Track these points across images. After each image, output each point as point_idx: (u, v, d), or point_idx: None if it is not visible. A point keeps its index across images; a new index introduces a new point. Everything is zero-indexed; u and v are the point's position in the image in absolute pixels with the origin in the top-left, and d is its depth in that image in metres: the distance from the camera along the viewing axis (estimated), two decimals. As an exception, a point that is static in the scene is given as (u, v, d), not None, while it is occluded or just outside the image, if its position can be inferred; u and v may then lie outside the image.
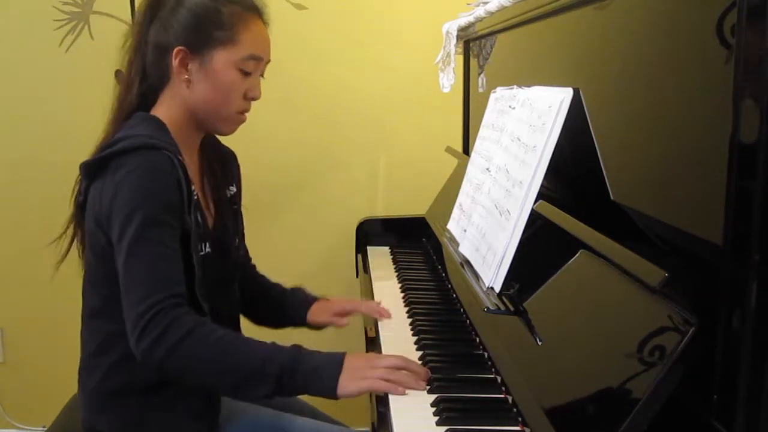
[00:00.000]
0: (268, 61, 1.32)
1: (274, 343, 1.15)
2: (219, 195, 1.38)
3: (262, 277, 1.56)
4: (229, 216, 1.38)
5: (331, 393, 1.10)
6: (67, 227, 1.30)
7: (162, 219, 1.13)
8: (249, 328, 1.43)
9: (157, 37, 1.26)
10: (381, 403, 1.10)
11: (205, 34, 1.24)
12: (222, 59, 1.24)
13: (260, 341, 1.15)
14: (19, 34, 2.30)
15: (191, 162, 1.30)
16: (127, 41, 1.30)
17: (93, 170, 1.20)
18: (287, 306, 1.52)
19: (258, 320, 1.54)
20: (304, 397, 1.52)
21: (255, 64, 1.28)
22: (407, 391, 1.10)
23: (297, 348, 1.14)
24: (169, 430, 1.23)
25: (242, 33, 1.25)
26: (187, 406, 1.23)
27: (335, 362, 1.12)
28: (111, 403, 1.23)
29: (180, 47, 1.24)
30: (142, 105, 1.27)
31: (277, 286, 1.55)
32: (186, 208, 1.18)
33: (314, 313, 1.50)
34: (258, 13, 1.29)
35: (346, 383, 1.10)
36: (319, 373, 1.11)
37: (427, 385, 1.13)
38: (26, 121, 2.34)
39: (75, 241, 1.31)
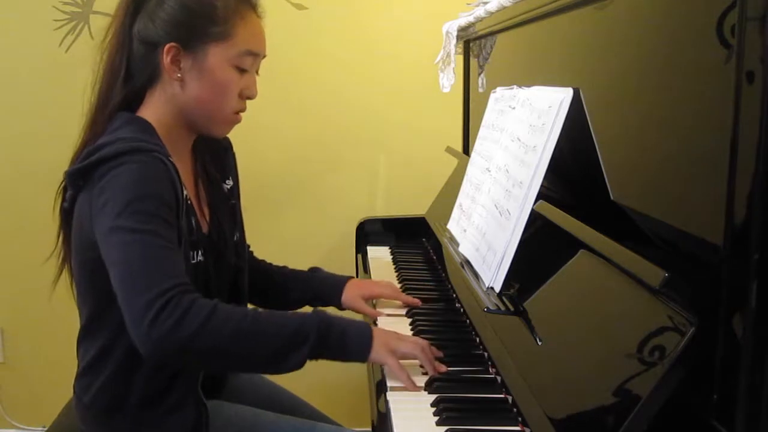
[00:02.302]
0: (264, 56, 1.26)
1: (294, 312, 1.14)
2: (214, 195, 1.34)
3: (264, 261, 1.54)
4: (226, 215, 1.35)
5: (363, 354, 1.11)
6: (58, 241, 1.25)
7: (159, 213, 1.06)
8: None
9: (143, 32, 1.18)
10: (380, 406, 1.10)
11: (198, 29, 1.18)
12: (217, 56, 1.19)
13: (280, 311, 1.14)
14: (19, 34, 2.30)
15: (183, 166, 1.24)
16: (107, 35, 1.22)
17: (78, 178, 1.13)
18: (314, 285, 1.50)
19: (266, 304, 1.50)
20: (305, 397, 1.53)
21: (252, 60, 1.23)
22: (407, 391, 1.10)
23: (322, 312, 1.13)
24: None
25: (238, 27, 1.19)
26: (180, 419, 1.19)
27: (364, 326, 1.14)
28: (105, 418, 1.20)
29: (171, 44, 1.17)
30: (124, 105, 1.20)
31: (285, 267, 1.54)
32: (180, 212, 1.12)
33: (348, 296, 1.48)
34: (252, 5, 1.23)
35: (378, 349, 1.11)
36: (353, 335, 1.11)
37: (427, 385, 1.13)
38: (26, 121, 2.34)
39: (64, 250, 1.26)
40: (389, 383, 1.13)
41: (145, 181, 1.07)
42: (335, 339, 1.10)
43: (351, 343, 1.11)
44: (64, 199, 1.21)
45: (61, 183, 1.21)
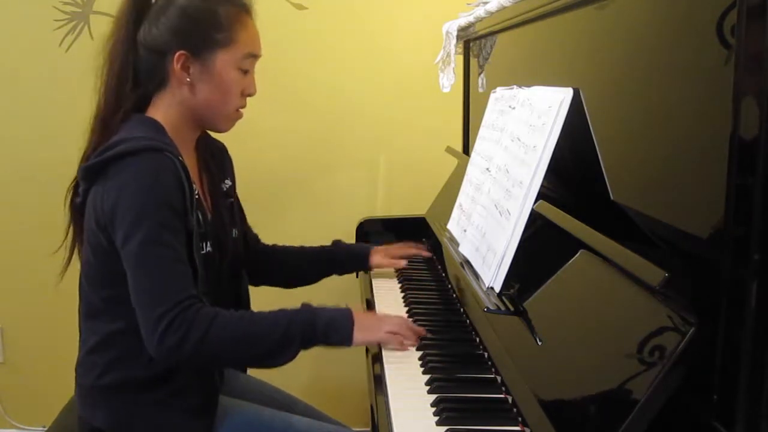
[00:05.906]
0: (260, 56, 1.34)
1: (284, 309, 1.22)
2: (215, 190, 1.39)
3: (276, 245, 1.63)
4: (225, 210, 1.40)
5: (346, 342, 1.22)
6: (67, 234, 1.31)
7: (168, 223, 1.15)
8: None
9: (148, 40, 1.24)
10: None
11: (204, 37, 1.24)
12: (223, 60, 1.26)
13: (272, 311, 1.22)
14: (19, 34, 2.29)
15: (189, 161, 1.31)
16: (110, 41, 1.27)
17: (93, 173, 1.19)
18: (340, 257, 1.63)
19: (294, 281, 1.64)
20: (305, 397, 1.53)
21: (252, 61, 1.31)
22: (407, 391, 1.11)
23: (308, 306, 1.24)
24: (164, 427, 1.24)
25: (239, 32, 1.27)
26: (183, 403, 1.24)
27: (346, 315, 1.23)
28: (107, 399, 1.25)
29: (181, 51, 1.23)
30: (135, 108, 1.27)
31: (302, 247, 1.65)
32: (189, 209, 1.19)
33: (374, 258, 1.65)
34: (247, 10, 1.31)
35: (359, 335, 1.22)
36: (335, 326, 1.22)
37: (427, 384, 1.13)
38: (26, 121, 2.34)
39: (74, 243, 1.31)
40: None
41: (156, 188, 1.14)
42: (321, 332, 1.20)
43: (335, 333, 1.21)
44: (76, 194, 1.26)
45: (74, 179, 1.27)
